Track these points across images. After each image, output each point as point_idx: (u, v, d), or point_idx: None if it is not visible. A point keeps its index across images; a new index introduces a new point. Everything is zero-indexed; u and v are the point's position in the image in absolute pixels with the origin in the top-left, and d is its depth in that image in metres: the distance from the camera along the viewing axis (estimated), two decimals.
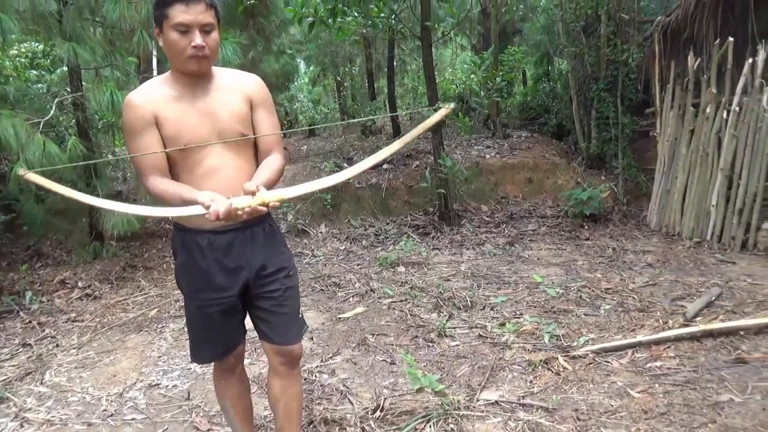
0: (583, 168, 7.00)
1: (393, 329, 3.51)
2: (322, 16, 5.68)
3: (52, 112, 4.79)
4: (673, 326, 3.17)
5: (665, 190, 5.52)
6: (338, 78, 12.60)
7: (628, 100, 6.58)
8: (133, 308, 4.26)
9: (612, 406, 2.44)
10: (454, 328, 3.44)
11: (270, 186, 1.66)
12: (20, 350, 3.57)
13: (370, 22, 6.05)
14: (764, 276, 3.95)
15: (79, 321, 4.04)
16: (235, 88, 1.79)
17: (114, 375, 3.14)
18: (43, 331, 3.87)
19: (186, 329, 1.98)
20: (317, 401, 2.67)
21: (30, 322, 4.03)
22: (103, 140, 6.54)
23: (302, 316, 1.97)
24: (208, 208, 1.51)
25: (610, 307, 3.61)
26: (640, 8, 7.15)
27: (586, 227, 5.80)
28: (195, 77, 1.73)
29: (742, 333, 2.99)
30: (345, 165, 7.49)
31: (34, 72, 7.14)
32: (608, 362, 2.85)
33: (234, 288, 1.81)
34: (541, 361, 2.87)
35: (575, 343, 3.07)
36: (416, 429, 2.35)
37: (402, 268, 4.81)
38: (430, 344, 3.24)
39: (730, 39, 4.99)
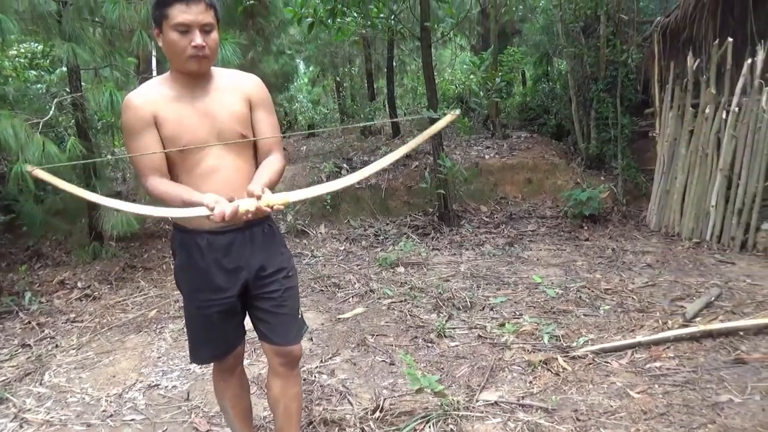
0: (582, 168, 7.00)
1: (392, 330, 3.51)
2: (321, 17, 5.68)
3: (51, 112, 4.79)
4: (673, 327, 3.17)
5: (665, 190, 5.52)
6: (338, 78, 12.61)
7: (627, 101, 6.58)
8: (132, 309, 4.26)
9: (611, 406, 2.44)
10: (454, 328, 3.44)
11: (271, 187, 1.66)
12: (19, 351, 3.57)
13: (369, 22, 6.05)
14: (763, 276, 3.96)
15: (79, 321, 4.04)
16: (235, 89, 1.79)
17: (113, 375, 3.13)
18: (43, 331, 3.86)
19: (185, 330, 1.98)
20: (317, 402, 2.67)
21: (29, 322, 4.02)
22: (103, 141, 6.54)
23: (302, 316, 1.97)
24: (212, 209, 1.50)
25: (609, 307, 3.61)
26: (639, 9, 7.16)
27: (586, 228, 5.80)
28: (194, 77, 1.73)
29: (741, 333, 2.99)
30: (344, 165, 7.49)
31: (34, 72, 7.15)
32: (608, 363, 2.85)
33: (233, 288, 1.81)
34: (540, 361, 2.87)
35: (575, 344, 3.07)
36: (416, 430, 2.35)
37: (401, 269, 4.81)
38: (430, 345, 3.24)
39: (730, 39, 5.00)
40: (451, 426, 2.35)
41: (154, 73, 6.16)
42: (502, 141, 8.06)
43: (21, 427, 2.64)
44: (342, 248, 5.70)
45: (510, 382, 2.75)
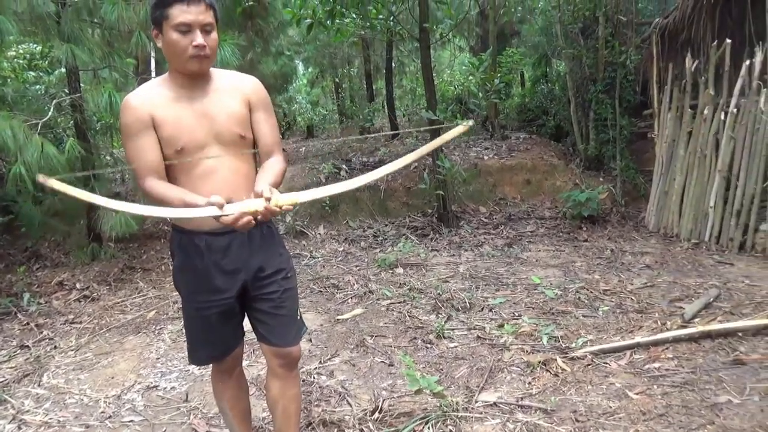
0: (581, 169, 7.01)
1: (391, 331, 3.51)
2: (320, 18, 5.68)
3: (50, 113, 4.78)
4: (672, 327, 3.17)
5: (663, 191, 5.53)
6: (336, 79, 12.63)
7: (626, 102, 6.59)
8: (131, 310, 4.25)
9: (610, 407, 2.44)
10: (453, 329, 3.44)
11: (275, 188, 1.66)
12: (18, 352, 3.56)
13: (368, 23, 6.05)
14: (762, 277, 3.96)
15: (77, 323, 4.04)
16: (234, 90, 1.79)
17: (112, 377, 3.13)
18: (41, 332, 3.86)
19: (184, 331, 1.98)
20: (316, 403, 2.66)
21: (28, 323, 4.02)
22: (102, 141, 6.52)
23: (301, 317, 1.97)
24: (221, 207, 1.50)
25: (608, 308, 3.61)
26: (637, 10, 7.17)
27: (585, 229, 5.81)
28: (193, 79, 1.73)
29: (740, 334, 3.00)
30: (343, 167, 7.49)
31: (32, 73, 7.14)
32: (606, 363, 2.85)
33: (232, 290, 1.81)
34: (539, 362, 2.87)
35: (574, 345, 3.07)
36: (415, 430, 2.35)
37: (400, 270, 4.81)
38: (429, 346, 3.24)
39: (728, 41, 5.01)
40: (450, 427, 2.35)
41: (153, 74, 6.15)
42: (500, 142, 8.07)
43: (19, 428, 2.63)
44: (341, 249, 5.70)
45: (509, 383, 2.75)
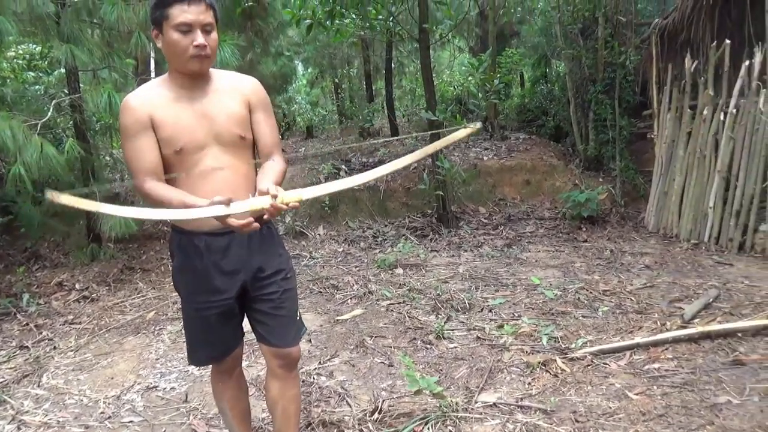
0: (580, 170, 7.01)
1: (391, 331, 3.51)
2: (320, 18, 5.68)
3: (49, 113, 4.78)
4: (671, 328, 3.17)
5: (663, 192, 5.53)
6: (336, 80, 12.62)
7: (625, 102, 6.59)
8: (130, 310, 4.25)
9: (610, 408, 2.44)
10: (452, 330, 3.44)
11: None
12: (17, 353, 3.56)
13: (368, 24, 6.05)
14: (761, 278, 3.96)
15: (77, 323, 4.03)
16: (234, 90, 1.79)
17: (111, 377, 3.13)
18: (41, 333, 3.85)
19: (183, 331, 1.97)
20: (315, 403, 2.66)
21: (27, 324, 4.01)
22: (101, 142, 6.52)
23: (300, 318, 1.97)
24: (228, 204, 1.50)
25: (608, 308, 3.61)
26: (637, 11, 7.17)
27: (584, 229, 5.81)
28: (193, 79, 1.73)
29: (739, 335, 3.00)
30: (342, 167, 7.49)
31: (32, 74, 7.13)
32: (606, 364, 2.85)
33: (232, 290, 1.81)
34: (539, 363, 2.87)
35: (573, 345, 3.07)
36: (414, 431, 2.35)
37: (400, 270, 4.81)
38: (429, 346, 3.24)
39: (727, 41, 5.01)
40: (449, 427, 2.35)
41: (153, 74, 6.15)
42: (500, 142, 8.07)
43: (19, 429, 2.63)
44: (340, 250, 5.70)
45: (509, 383, 2.75)
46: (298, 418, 2.03)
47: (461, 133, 1.67)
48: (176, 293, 1.97)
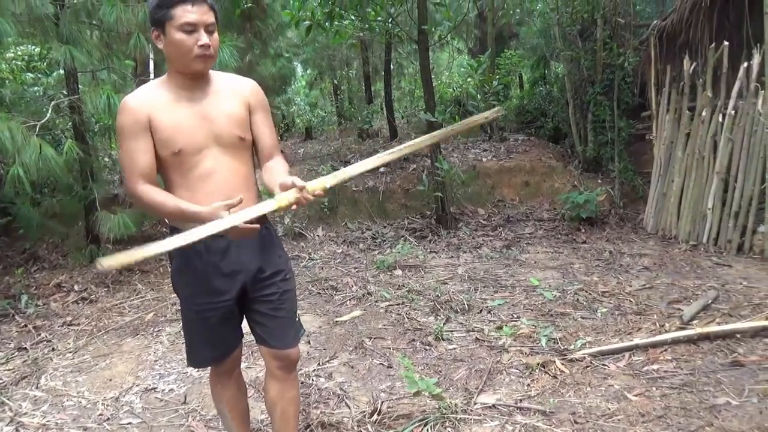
0: (579, 171, 7.02)
1: (390, 332, 3.51)
2: (319, 20, 5.68)
3: (48, 115, 4.77)
4: (670, 329, 3.17)
5: (662, 193, 5.53)
6: (335, 81, 12.62)
7: (624, 104, 6.60)
8: (129, 312, 4.24)
9: (609, 409, 2.44)
10: (452, 331, 3.44)
11: None
12: (16, 354, 3.55)
13: (367, 25, 6.06)
14: (760, 279, 3.97)
15: (75, 325, 4.03)
16: (233, 92, 1.80)
17: (110, 379, 3.12)
18: (39, 335, 3.85)
19: (182, 333, 1.97)
20: (314, 405, 2.66)
21: (25, 325, 4.01)
22: (100, 143, 6.51)
23: (299, 319, 1.97)
24: (230, 208, 1.55)
25: (606, 310, 3.61)
26: (635, 12, 7.19)
27: (583, 230, 5.81)
28: (193, 80, 1.73)
29: (738, 336, 3.00)
30: (342, 168, 7.48)
31: (31, 75, 7.12)
32: (605, 365, 2.85)
33: (231, 292, 1.81)
34: (538, 364, 2.87)
35: (572, 347, 3.07)
36: None
37: (399, 272, 4.81)
38: (428, 347, 3.24)
39: (726, 43, 5.02)
40: (449, 429, 2.35)
41: (152, 75, 6.14)
42: (499, 144, 8.07)
43: (17, 430, 2.62)
44: (339, 251, 5.70)
45: (508, 384, 2.75)
46: (297, 420, 2.02)
47: (489, 113, 1.71)
48: (175, 294, 1.97)
